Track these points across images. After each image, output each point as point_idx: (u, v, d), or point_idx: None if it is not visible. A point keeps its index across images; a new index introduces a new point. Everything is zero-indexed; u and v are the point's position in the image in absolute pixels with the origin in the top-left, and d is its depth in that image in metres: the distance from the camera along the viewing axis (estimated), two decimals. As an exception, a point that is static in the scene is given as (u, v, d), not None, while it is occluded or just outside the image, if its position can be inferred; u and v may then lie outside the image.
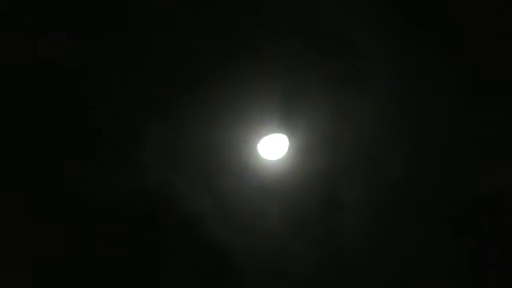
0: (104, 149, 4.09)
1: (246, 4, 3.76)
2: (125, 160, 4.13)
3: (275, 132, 3.97)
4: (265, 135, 3.97)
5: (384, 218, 4.48)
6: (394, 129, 4.17)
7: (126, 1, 3.66)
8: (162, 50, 3.83)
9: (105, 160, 4.12)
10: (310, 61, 3.95)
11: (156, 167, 4.17)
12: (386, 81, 4.07)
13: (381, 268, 4.66)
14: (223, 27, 3.82)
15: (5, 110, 3.84)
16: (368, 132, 4.09)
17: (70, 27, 3.68)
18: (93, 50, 3.75)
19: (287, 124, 3.95)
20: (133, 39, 3.77)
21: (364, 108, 4.05)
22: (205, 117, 4.01)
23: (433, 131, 4.24)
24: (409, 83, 4.09)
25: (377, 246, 4.61)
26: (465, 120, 4.19)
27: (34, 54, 3.70)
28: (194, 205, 4.32)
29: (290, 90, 3.90)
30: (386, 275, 4.68)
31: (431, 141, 4.26)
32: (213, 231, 4.45)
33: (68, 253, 4.17)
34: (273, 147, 4.00)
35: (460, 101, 4.16)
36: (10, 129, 3.90)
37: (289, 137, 3.99)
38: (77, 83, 3.86)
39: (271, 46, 3.89)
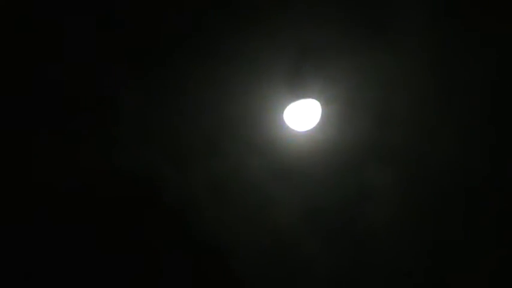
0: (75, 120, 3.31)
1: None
2: (102, 134, 3.36)
3: (305, 97, 3.23)
4: (293, 100, 3.23)
5: (426, 211, 3.75)
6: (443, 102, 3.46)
7: None
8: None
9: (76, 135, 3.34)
10: (347, 15, 3.23)
11: (146, 140, 3.40)
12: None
13: (416, 273, 3.93)
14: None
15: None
16: (415, 103, 3.37)
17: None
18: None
19: (320, 87, 3.22)
20: None
21: (410, 73, 3.33)
22: (214, 78, 3.24)
23: (484, 106, 3.51)
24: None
25: (412, 248, 3.87)
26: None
27: None
28: (189, 190, 3.57)
29: (324, 45, 3.16)
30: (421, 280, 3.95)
31: (481, 117, 3.54)
32: (211, 224, 3.70)
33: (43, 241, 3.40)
34: (302, 116, 3.25)
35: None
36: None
37: (322, 103, 3.25)
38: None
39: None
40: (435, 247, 3.89)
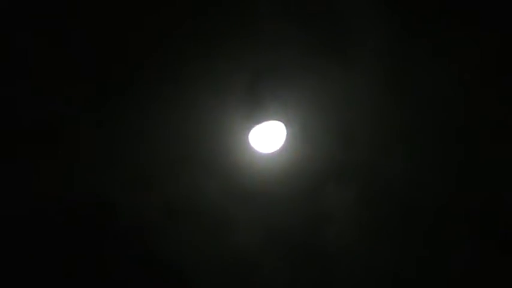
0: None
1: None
2: (56, 157, 3.25)
3: (270, 118, 3.21)
4: (258, 122, 3.20)
5: (390, 232, 3.75)
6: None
7: None
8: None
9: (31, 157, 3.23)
10: (307, 34, 3.20)
11: (104, 161, 3.31)
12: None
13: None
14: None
15: None
16: (379, 122, 3.39)
17: None
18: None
19: (285, 108, 3.20)
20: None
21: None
22: (175, 100, 3.17)
23: (449, 125, 3.53)
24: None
25: (377, 270, 3.87)
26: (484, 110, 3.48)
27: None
28: (148, 213, 3.50)
29: (288, 65, 3.14)
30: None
31: (446, 137, 3.54)
32: (167, 248, 3.63)
33: None
34: (267, 137, 3.23)
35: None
36: None
37: (287, 125, 3.24)
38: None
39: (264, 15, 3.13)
40: (399, 269, 3.90)
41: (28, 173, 3.28)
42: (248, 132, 3.22)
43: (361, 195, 3.46)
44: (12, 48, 2.87)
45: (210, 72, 3.09)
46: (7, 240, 3.46)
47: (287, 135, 3.24)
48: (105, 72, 3.06)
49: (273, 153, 3.28)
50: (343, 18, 3.12)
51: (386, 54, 3.23)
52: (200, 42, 3.04)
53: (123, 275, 3.62)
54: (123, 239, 3.52)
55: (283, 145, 3.26)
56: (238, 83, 3.12)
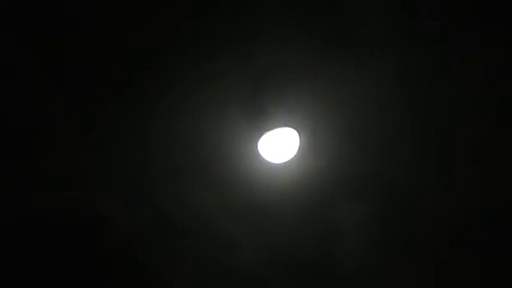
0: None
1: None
2: (52, 167, 3.00)
3: (281, 126, 2.92)
4: (268, 130, 2.92)
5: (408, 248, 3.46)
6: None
7: None
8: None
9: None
10: (318, 36, 2.91)
11: (90, 175, 3.04)
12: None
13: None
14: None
15: None
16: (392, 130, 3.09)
17: None
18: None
19: (298, 115, 2.91)
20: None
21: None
22: (179, 106, 2.91)
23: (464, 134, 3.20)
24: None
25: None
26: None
27: None
28: (142, 228, 3.25)
29: (299, 70, 2.86)
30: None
31: (462, 147, 3.23)
32: (165, 267, 3.35)
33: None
34: (278, 146, 2.95)
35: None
36: None
37: (300, 133, 2.95)
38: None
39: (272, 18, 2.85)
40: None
41: (25, 183, 3.06)
42: (257, 140, 2.94)
43: (379, 208, 3.18)
44: (12, 48, 2.67)
45: (213, 74, 2.82)
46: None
47: (300, 143, 2.95)
48: (105, 73, 2.81)
49: (285, 163, 3.00)
50: (351, 15, 2.84)
51: (396, 52, 2.94)
52: (203, 43, 2.78)
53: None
54: (113, 251, 3.26)
55: (296, 154, 2.97)
56: (245, 85, 2.84)
